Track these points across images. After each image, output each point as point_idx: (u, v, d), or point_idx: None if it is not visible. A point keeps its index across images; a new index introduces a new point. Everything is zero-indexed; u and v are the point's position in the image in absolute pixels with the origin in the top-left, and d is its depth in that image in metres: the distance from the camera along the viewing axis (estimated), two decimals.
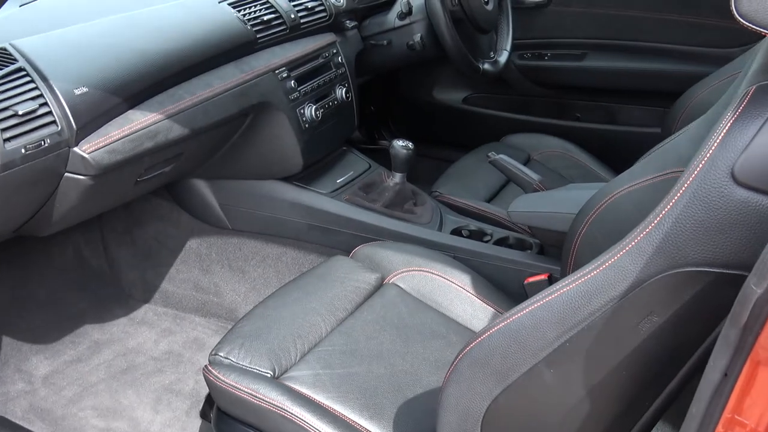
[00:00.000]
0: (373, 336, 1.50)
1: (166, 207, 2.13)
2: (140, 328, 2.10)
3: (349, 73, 2.11)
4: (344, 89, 2.05)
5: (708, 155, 0.80)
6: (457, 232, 1.91)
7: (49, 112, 1.35)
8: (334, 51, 2.06)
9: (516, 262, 1.75)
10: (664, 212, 0.82)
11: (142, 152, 1.51)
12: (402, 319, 1.55)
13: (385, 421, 1.30)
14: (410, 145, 1.88)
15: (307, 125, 1.91)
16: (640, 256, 0.84)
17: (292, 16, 1.93)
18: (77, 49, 1.47)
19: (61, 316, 2.08)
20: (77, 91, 1.38)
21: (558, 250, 1.59)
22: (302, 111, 1.90)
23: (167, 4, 1.73)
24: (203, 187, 2.03)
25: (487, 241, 1.87)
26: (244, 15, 1.80)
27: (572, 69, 2.58)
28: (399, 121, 3.00)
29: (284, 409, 1.29)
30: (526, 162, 2.37)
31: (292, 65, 1.88)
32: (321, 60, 2.00)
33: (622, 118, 2.59)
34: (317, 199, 1.95)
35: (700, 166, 0.80)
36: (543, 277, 1.61)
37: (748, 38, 2.16)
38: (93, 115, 1.41)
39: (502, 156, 1.88)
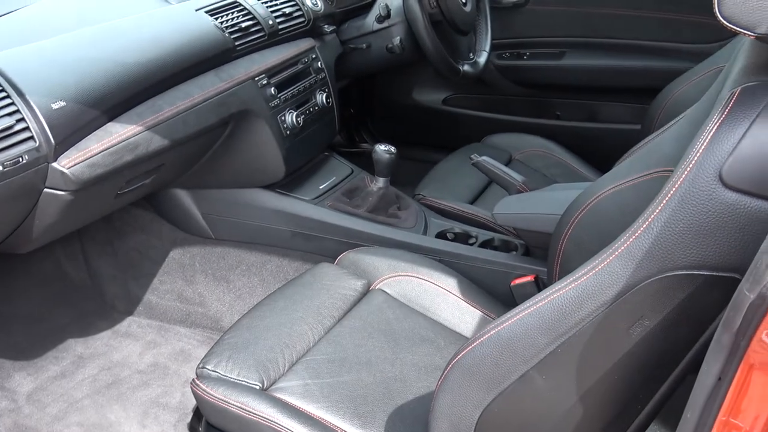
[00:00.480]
0: (361, 343, 1.49)
1: (147, 218, 2.11)
2: (125, 341, 2.07)
3: (329, 78, 2.10)
4: (325, 94, 2.04)
5: (696, 159, 0.79)
6: (442, 235, 1.90)
7: (27, 128, 1.33)
8: (314, 56, 2.05)
9: (502, 264, 1.75)
10: (653, 216, 0.82)
11: (123, 165, 1.48)
12: (390, 325, 1.54)
13: (376, 428, 1.29)
14: (393, 149, 1.88)
15: (288, 132, 1.90)
16: (630, 260, 0.84)
17: (270, 22, 1.91)
18: (54, 62, 1.45)
19: (43, 331, 2.05)
20: (54, 106, 1.36)
21: (544, 251, 1.59)
22: (283, 118, 1.89)
23: (144, 14, 1.71)
24: (185, 197, 2.01)
25: (472, 244, 1.86)
26: (221, 23, 1.78)
27: (551, 68, 2.59)
28: (380, 123, 2.99)
29: (274, 422, 1.27)
30: (508, 162, 2.37)
31: (271, 72, 1.87)
32: (300, 66, 1.99)
33: (603, 115, 2.60)
34: (300, 206, 1.93)
35: (688, 169, 0.80)
36: (529, 278, 1.61)
37: (725, 34, 2.17)
38: (71, 129, 1.39)
39: (485, 158, 1.87)
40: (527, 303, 0.95)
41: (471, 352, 1.00)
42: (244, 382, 1.36)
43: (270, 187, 1.96)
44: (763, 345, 0.66)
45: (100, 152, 1.43)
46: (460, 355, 1.02)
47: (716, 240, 0.78)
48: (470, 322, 1.58)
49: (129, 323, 2.14)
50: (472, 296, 1.63)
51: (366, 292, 1.64)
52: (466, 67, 2.23)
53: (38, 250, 2.01)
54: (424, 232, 1.90)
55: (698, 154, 0.79)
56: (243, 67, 1.80)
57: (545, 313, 0.92)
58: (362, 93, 2.92)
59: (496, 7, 2.53)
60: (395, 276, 1.66)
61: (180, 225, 2.08)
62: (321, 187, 2.01)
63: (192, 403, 1.78)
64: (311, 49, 2.05)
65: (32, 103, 1.34)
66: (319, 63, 2.06)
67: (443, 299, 1.62)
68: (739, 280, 0.69)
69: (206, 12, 1.78)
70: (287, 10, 1.98)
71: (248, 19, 1.85)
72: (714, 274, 0.80)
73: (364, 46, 2.24)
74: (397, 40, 2.19)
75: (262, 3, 1.94)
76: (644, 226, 0.83)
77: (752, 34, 0.76)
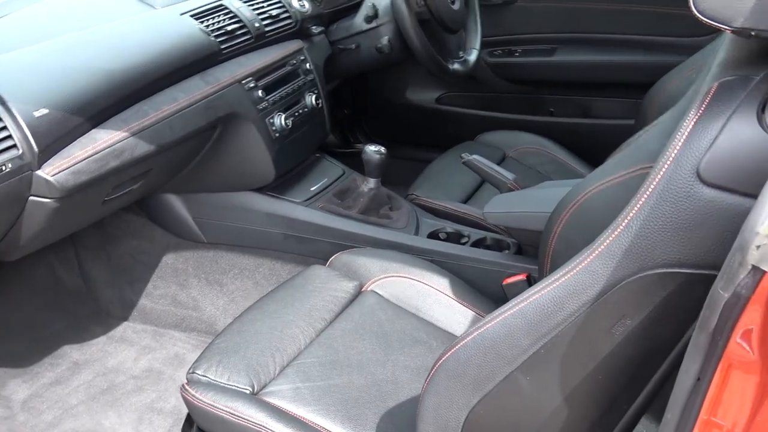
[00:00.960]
0: (353, 345, 1.48)
1: (139, 222, 2.10)
2: (120, 347, 2.07)
3: (319, 79, 2.09)
4: (314, 96, 2.03)
5: (673, 155, 0.79)
6: (434, 235, 1.89)
7: (9, 136, 1.32)
8: (302, 58, 2.04)
9: (494, 263, 1.74)
10: (632, 214, 0.82)
11: (108, 171, 1.48)
12: (381, 327, 1.54)
13: (367, 431, 1.28)
14: (383, 149, 1.87)
15: (277, 134, 1.89)
16: (610, 259, 0.83)
17: (257, 24, 1.90)
18: (36, 69, 1.44)
19: (38, 338, 2.05)
20: (37, 113, 1.35)
21: (536, 250, 1.58)
22: (272, 120, 1.88)
23: (127, 20, 1.70)
24: (175, 202, 2.00)
25: (464, 243, 1.86)
26: (207, 26, 1.78)
27: (543, 64, 2.58)
28: (373, 123, 2.99)
29: (263, 426, 1.27)
30: (502, 160, 2.36)
31: (258, 74, 1.86)
32: (289, 67, 1.98)
33: (596, 111, 2.59)
34: (291, 208, 1.93)
35: (666, 166, 0.79)
36: (521, 277, 1.60)
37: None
38: (55, 137, 1.39)
39: (475, 156, 1.86)
40: (510, 303, 0.94)
41: (455, 354, 0.99)
42: (234, 387, 1.36)
43: (261, 189, 1.96)
44: (740, 344, 0.65)
45: (84, 159, 1.42)
46: (445, 357, 1.01)
47: (695, 237, 0.78)
48: (463, 322, 1.57)
49: (124, 328, 2.14)
50: (465, 296, 1.62)
51: (358, 293, 1.64)
52: (456, 66, 2.22)
53: (31, 256, 2.01)
54: (416, 233, 1.90)
55: (676, 151, 0.79)
56: (229, 70, 1.79)
57: (527, 314, 0.91)
58: (355, 93, 2.91)
59: (487, 4, 2.52)
60: (387, 277, 1.66)
61: (172, 229, 2.07)
62: (312, 188, 2.01)
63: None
64: (299, 51, 2.04)
65: (14, 111, 1.34)
66: (307, 64, 2.05)
67: (435, 300, 1.62)
68: None
69: (191, 16, 1.78)
70: (274, 12, 1.98)
71: (234, 22, 1.85)
72: (694, 271, 0.79)
73: (353, 46, 2.23)
74: (385, 40, 2.18)
75: (248, 6, 1.93)
76: (623, 224, 0.82)
77: (728, 28, 0.75)
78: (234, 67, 1.81)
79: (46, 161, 1.39)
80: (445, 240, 1.88)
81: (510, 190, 1.81)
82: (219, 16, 1.84)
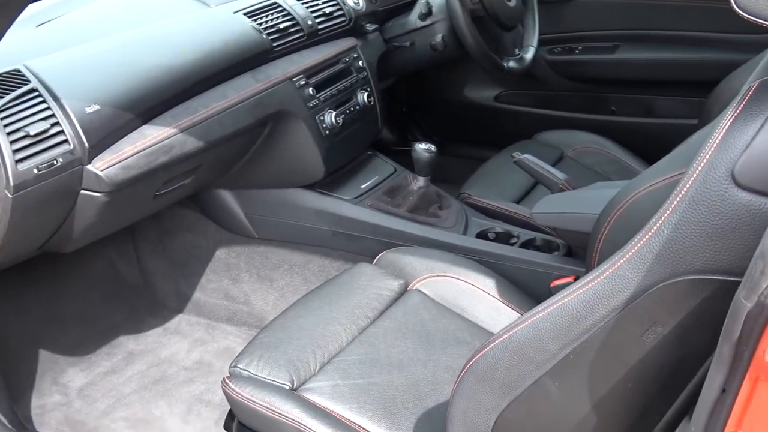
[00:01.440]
0: (394, 344, 1.48)
1: (194, 217, 2.15)
2: (173, 338, 2.11)
3: (372, 77, 2.09)
4: (366, 93, 2.03)
5: (708, 157, 0.76)
6: (482, 235, 1.87)
7: (61, 132, 1.37)
8: (355, 55, 2.04)
9: (542, 264, 1.71)
10: (663, 218, 0.79)
11: (157, 167, 1.51)
12: (424, 326, 1.53)
13: (404, 431, 1.28)
14: (432, 147, 1.85)
15: (327, 132, 1.90)
16: (640, 264, 0.81)
17: (310, 22, 1.92)
18: (89, 67, 1.48)
19: (98, 328, 2.11)
20: (89, 109, 1.39)
21: (585, 252, 1.55)
22: (322, 118, 1.89)
23: (181, 18, 1.73)
24: (228, 197, 2.03)
25: (513, 244, 1.83)
26: (260, 24, 1.80)
27: (604, 62, 2.52)
28: (430, 121, 2.97)
29: (299, 422, 1.28)
30: (560, 159, 2.31)
31: (309, 72, 1.87)
32: (341, 65, 1.99)
33: (659, 110, 2.51)
34: (340, 205, 1.93)
35: (700, 168, 0.76)
36: (569, 279, 1.56)
37: None
38: (105, 133, 1.42)
39: (526, 156, 1.83)
40: (539, 307, 0.92)
41: (484, 357, 0.98)
42: (273, 382, 1.37)
43: (311, 186, 1.97)
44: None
45: (133, 154, 1.46)
46: (474, 359, 1.00)
47: (729, 243, 0.74)
48: (507, 323, 1.53)
49: (179, 321, 2.18)
50: (511, 297, 1.60)
51: (403, 292, 1.63)
52: (512, 63, 2.19)
53: (91, 249, 2.08)
54: (464, 232, 1.88)
55: (710, 152, 0.75)
56: (281, 68, 1.81)
57: (556, 318, 0.89)
58: (413, 91, 2.91)
59: (546, 1, 2.47)
60: (433, 276, 1.64)
61: (224, 224, 2.10)
62: (362, 186, 2.01)
63: None
64: (353, 48, 2.04)
65: (67, 108, 1.38)
66: (360, 62, 2.05)
67: (480, 300, 1.60)
68: None
69: (244, 14, 1.80)
70: (327, 10, 1.98)
71: (287, 20, 1.86)
72: (728, 279, 0.76)
73: (408, 43, 2.22)
74: (439, 38, 2.16)
75: (302, 3, 1.94)
76: (655, 228, 0.79)
77: None
78: (285, 65, 1.83)
79: (96, 156, 1.43)
80: (493, 240, 1.85)
81: (561, 190, 1.78)
82: (272, 14, 1.86)
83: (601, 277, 0.85)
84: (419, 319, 1.55)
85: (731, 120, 0.75)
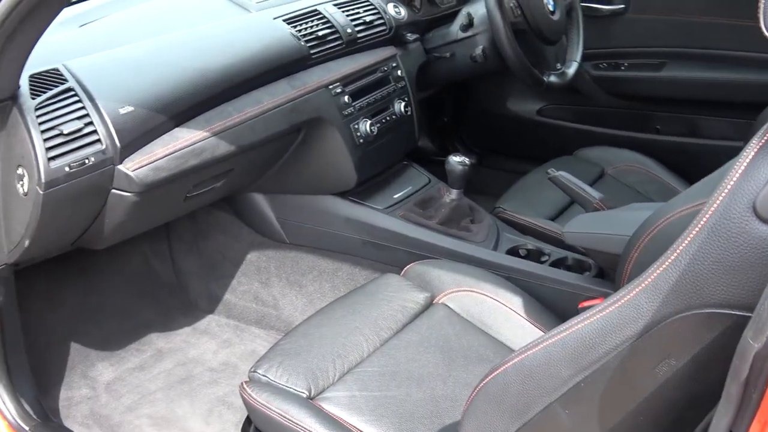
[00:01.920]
0: (416, 358, 1.46)
1: (227, 220, 2.16)
2: (202, 338, 2.13)
3: (410, 87, 2.08)
4: (403, 103, 2.02)
5: (729, 187, 0.73)
6: (513, 251, 1.84)
7: (94, 131, 1.39)
8: (394, 64, 2.03)
9: (572, 284, 1.68)
10: (681, 248, 0.76)
11: (188, 169, 1.52)
12: (447, 341, 1.51)
13: None
14: (467, 160, 1.83)
15: (361, 140, 1.90)
16: (655, 294, 0.78)
17: (349, 30, 1.92)
18: (126, 68, 1.50)
19: (128, 324, 2.14)
20: (122, 110, 1.41)
21: (616, 274, 1.51)
22: (357, 126, 1.89)
23: (220, 22, 1.75)
24: (261, 201, 2.04)
25: (544, 262, 1.79)
26: (299, 30, 1.80)
27: (651, 79, 2.47)
28: (472, 132, 2.95)
29: None
30: (600, 177, 2.27)
31: (346, 80, 1.87)
32: (379, 74, 1.98)
33: (705, 130, 2.45)
34: (371, 214, 1.93)
35: (720, 198, 0.73)
36: (598, 301, 1.52)
37: None
38: (137, 134, 1.44)
39: (561, 173, 1.80)
40: (552, 332, 0.90)
41: (495, 379, 0.96)
42: (291, 389, 1.37)
43: (343, 194, 1.97)
44: None
45: (164, 156, 1.47)
46: (486, 380, 0.98)
47: (748, 277, 0.71)
48: None
49: (209, 321, 2.20)
50: (538, 316, 1.57)
51: (428, 305, 1.62)
52: (552, 78, 2.16)
53: (128, 246, 2.11)
54: (495, 247, 1.85)
55: (732, 183, 0.73)
56: (317, 75, 1.81)
57: (569, 344, 0.87)
58: (456, 101, 2.89)
59: (593, 15, 2.44)
60: (459, 291, 1.63)
61: (257, 228, 2.12)
62: (395, 196, 2.00)
63: None
64: (392, 58, 2.04)
65: (101, 108, 1.40)
66: (399, 71, 2.04)
67: (506, 318, 1.58)
68: None
69: (284, 20, 1.81)
70: (368, 18, 1.98)
71: (326, 28, 1.87)
72: (746, 314, 0.73)
73: (448, 54, 2.21)
74: (479, 50, 2.14)
75: (343, 11, 1.94)
76: (672, 258, 0.77)
77: None
78: (322, 72, 1.83)
79: (127, 157, 1.44)
80: (524, 257, 1.83)
81: (596, 209, 1.74)
82: (312, 21, 1.86)
83: (616, 305, 0.83)
84: (443, 334, 1.53)
85: (755, 150, 0.73)
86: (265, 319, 2.15)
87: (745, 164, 0.72)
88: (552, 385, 0.89)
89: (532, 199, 2.13)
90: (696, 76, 2.38)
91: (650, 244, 1.28)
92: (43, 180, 1.31)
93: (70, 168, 1.34)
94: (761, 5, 0.69)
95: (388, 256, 1.92)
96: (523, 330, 1.55)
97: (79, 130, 1.36)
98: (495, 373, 0.96)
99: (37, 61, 1.39)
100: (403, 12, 2.12)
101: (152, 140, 1.48)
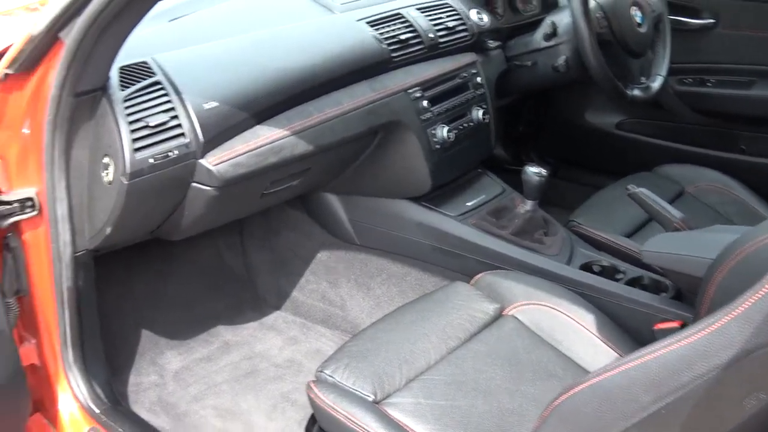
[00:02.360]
0: (483, 369, 1.45)
1: (300, 218, 2.18)
2: (269, 334, 2.15)
3: (489, 94, 2.06)
4: (482, 110, 2.00)
5: None
6: (587, 267, 1.80)
7: (179, 125, 1.42)
8: (474, 71, 2.02)
9: (647, 305, 1.63)
10: None
11: (267, 167, 1.54)
12: (516, 355, 1.49)
13: None
14: (543, 171, 1.81)
15: (438, 146, 1.89)
16: (747, 323, 0.75)
17: (431, 35, 1.91)
18: (212, 64, 1.53)
19: (198, 314, 2.18)
20: (207, 106, 1.44)
21: (695, 296, 1.47)
22: (434, 131, 1.88)
23: (305, 22, 1.76)
24: (334, 202, 2.06)
25: (618, 280, 1.75)
26: (381, 33, 1.81)
27: (739, 97, 2.39)
28: (547, 142, 2.91)
29: None
30: (679, 195, 2.21)
31: (426, 85, 1.86)
32: (459, 80, 1.97)
33: None
34: (443, 221, 1.91)
35: None
36: (675, 324, 1.50)
37: None
38: (220, 129, 1.47)
39: (642, 189, 1.75)
40: (634, 354, 0.87)
41: (570, 399, 0.94)
42: (357, 392, 1.37)
43: (417, 199, 1.96)
44: None
45: (245, 153, 1.50)
46: (560, 400, 0.96)
47: None
48: (603, 362, 1.48)
49: (276, 317, 2.22)
50: (610, 335, 1.53)
51: (498, 316, 1.60)
52: (636, 92, 2.10)
53: (202, 238, 2.15)
54: (569, 262, 1.82)
55: None
56: (398, 78, 1.81)
57: (651, 369, 0.84)
58: (534, 111, 2.85)
59: (681, 29, 2.37)
60: (530, 304, 1.60)
61: (328, 228, 2.13)
62: (468, 203, 1.98)
63: None
64: (472, 64, 2.02)
65: (187, 102, 1.43)
66: (479, 78, 2.03)
67: (578, 334, 1.54)
68: None
69: (367, 23, 1.81)
70: (450, 24, 1.97)
71: (408, 31, 1.86)
72: None
73: (530, 63, 2.18)
74: (562, 59, 2.11)
75: (426, 16, 1.94)
76: (766, 287, 0.73)
77: None
78: (402, 76, 1.83)
79: (209, 151, 1.47)
80: (598, 273, 1.78)
81: (676, 229, 1.69)
82: (395, 24, 1.86)
83: (704, 332, 0.79)
84: (511, 347, 1.51)
85: None
86: (331, 319, 2.16)
87: None
88: (630, 410, 0.86)
89: (608, 215, 2.08)
90: None
91: (736, 268, 1.23)
92: (128, 170, 1.35)
93: (155, 159, 1.37)
94: None
95: (458, 264, 1.91)
96: (595, 349, 1.52)
97: (165, 123, 1.39)
98: (570, 393, 0.94)
99: (127, 54, 1.41)
100: (485, 19, 2.10)
101: (234, 136, 1.50)
